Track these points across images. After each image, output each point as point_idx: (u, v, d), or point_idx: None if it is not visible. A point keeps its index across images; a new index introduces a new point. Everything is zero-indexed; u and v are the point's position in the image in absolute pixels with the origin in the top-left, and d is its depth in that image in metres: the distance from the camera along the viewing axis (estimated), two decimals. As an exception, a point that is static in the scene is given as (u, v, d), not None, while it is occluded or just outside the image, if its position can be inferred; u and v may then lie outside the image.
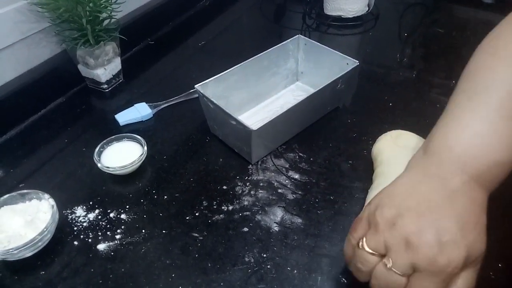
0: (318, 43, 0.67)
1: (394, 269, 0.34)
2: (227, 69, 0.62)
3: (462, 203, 0.35)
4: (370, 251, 0.36)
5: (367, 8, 0.95)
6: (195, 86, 0.58)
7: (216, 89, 0.60)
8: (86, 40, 0.67)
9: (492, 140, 0.38)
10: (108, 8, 0.67)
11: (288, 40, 0.68)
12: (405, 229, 0.34)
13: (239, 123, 0.53)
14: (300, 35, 0.69)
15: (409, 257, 0.33)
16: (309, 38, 0.93)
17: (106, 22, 0.70)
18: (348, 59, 0.63)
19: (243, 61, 0.64)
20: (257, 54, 0.65)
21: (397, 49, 0.87)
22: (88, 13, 0.65)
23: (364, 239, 0.37)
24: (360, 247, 0.37)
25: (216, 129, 0.62)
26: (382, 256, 0.36)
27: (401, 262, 0.34)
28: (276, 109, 0.67)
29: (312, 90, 0.59)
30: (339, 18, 0.94)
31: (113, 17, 0.70)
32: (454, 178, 0.37)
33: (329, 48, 0.66)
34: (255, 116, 0.66)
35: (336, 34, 0.93)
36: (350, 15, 0.93)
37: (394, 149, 0.52)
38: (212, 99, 0.56)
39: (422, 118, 0.64)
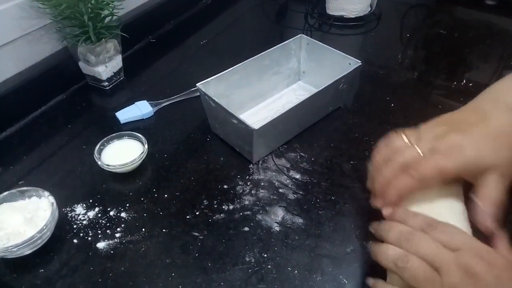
0: (321, 43, 0.67)
1: (417, 147, 0.42)
2: (229, 68, 0.61)
3: (492, 125, 0.41)
4: (406, 140, 0.44)
5: (369, 9, 0.95)
6: (197, 84, 0.58)
7: (217, 87, 0.60)
8: (88, 37, 0.66)
9: None
10: (110, 5, 0.67)
11: (291, 40, 0.67)
12: (436, 131, 0.43)
13: (240, 122, 0.53)
14: (302, 34, 0.68)
15: (432, 144, 0.42)
16: (311, 37, 0.93)
17: (107, 19, 0.69)
18: (351, 59, 0.63)
19: (245, 60, 0.63)
20: (258, 53, 0.65)
21: (399, 50, 0.87)
22: (89, 10, 0.65)
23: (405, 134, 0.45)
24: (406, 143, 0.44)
25: (217, 128, 0.62)
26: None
27: (424, 145, 0.42)
28: (277, 109, 0.67)
29: (314, 90, 0.59)
30: (341, 18, 0.94)
31: (115, 14, 0.69)
32: (491, 106, 0.43)
33: (331, 48, 0.66)
34: (256, 115, 0.66)
35: (338, 34, 0.93)
36: (352, 15, 0.93)
37: None
38: (213, 98, 0.56)
39: (424, 119, 0.63)
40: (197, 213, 0.52)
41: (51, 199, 0.49)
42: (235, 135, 0.58)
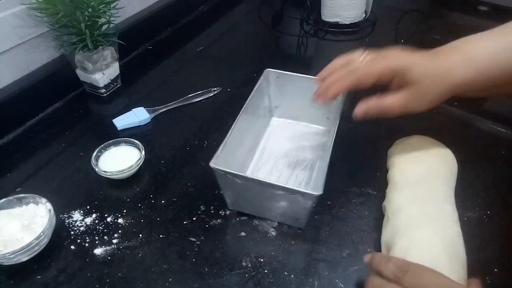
0: (290, 73, 0.61)
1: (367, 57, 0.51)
2: (227, 133, 0.51)
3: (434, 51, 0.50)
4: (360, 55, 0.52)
5: (364, 15, 0.96)
6: (211, 165, 0.47)
7: (224, 159, 0.49)
8: (85, 45, 0.67)
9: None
10: (107, 13, 0.68)
11: (260, 79, 0.60)
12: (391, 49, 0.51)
13: (292, 191, 0.45)
14: (269, 69, 0.61)
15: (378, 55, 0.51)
16: (307, 44, 0.94)
17: (104, 27, 0.70)
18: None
19: (237, 115, 0.55)
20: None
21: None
22: (87, 18, 0.66)
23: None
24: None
25: (241, 205, 0.52)
26: None
27: (369, 57, 0.51)
28: (276, 154, 0.60)
29: (290, 121, 0.62)
30: (336, 24, 0.95)
31: (112, 22, 0.70)
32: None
33: (304, 76, 0.60)
34: (262, 170, 0.58)
35: (333, 40, 0.94)
36: (347, 21, 0.94)
37: (407, 151, 0.55)
38: (241, 174, 0.46)
39: (420, 124, 0.64)
40: (194, 218, 0.52)
41: (49, 205, 0.49)
42: (278, 208, 0.50)
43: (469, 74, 0.45)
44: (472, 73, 0.45)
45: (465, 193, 0.53)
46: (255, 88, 0.59)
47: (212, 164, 0.46)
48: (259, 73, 0.80)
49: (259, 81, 0.60)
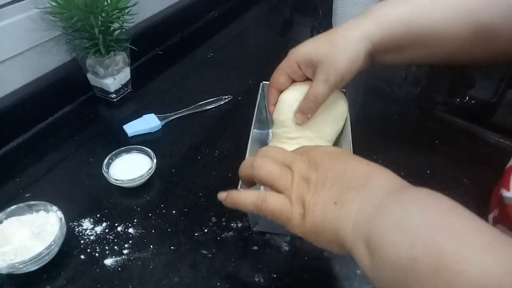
0: None
1: None
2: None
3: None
4: None
5: (375, 25, 0.95)
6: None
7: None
8: (97, 49, 0.66)
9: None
10: (121, 18, 0.67)
11: (259, 94, 0.60)
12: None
13: None
14: (264, 82, 0.60)
15: None
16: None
17: (117, 32, 0.70)
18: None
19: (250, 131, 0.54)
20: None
21: (402, 66, 0.87)
22: (100, 23, 0.65)
23: None
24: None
25: (263, 225, 0.51)
26: None
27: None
28: None
29: None
30: (347, 34, 0.94)
31: (125, 27, 0.70)
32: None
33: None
34: None
35: (344, 50, 0.93)
36: (358, 31, 0.93)
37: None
38: None
39: (427, 134, 0.64)
40: (205, 230, 0.52)
41: (60, 214, 0.49)
42: None
43: (374, 29, 0.46)
44: (376, 29, 0.46)
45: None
46: (257, 104, 0.58)
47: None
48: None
49: (258, 96, 0.59)
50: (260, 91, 0.60)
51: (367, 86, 0.80)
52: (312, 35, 0.98)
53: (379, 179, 0.33)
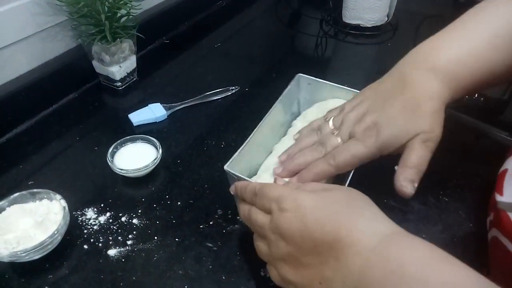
0: (323, 81, 0.57)
1: (337, 136, 0.45)
2: (248, 137, 0.50)
3: (409, 93, 0.41)
4: (331, 126, 0.47)
5: (386, 18, 0.94)
6: (225, 168, 0.46)
7: (241, 163, 0.49)
8: (103, 36, 0.65)
9: (460, 43, 0.43)
10: (128, 4, 0.66)
11: (290, 84, 0.57)
12: (358, 111, 0.45)
13: None
14: (300, 74, 0.58)
15: (350, 129, 0.44)
16: (326, 45, 0.92)
17: (124, 19, 0.68)
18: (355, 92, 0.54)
19: (260, 120, 0.52)
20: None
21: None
22: (107, 9, 0.64)
23: (332, 117, 0.48)
24: (326, 121, 0.48)
25: None
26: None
27: (344, 131, 0.45)
28: None
29: None
30: (357, 27, 0.93)
31: (132, 14, 0.68)
32: (412, 71, 0.42)
33: (334, 84, 0.57)
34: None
35: (354, 43, 0.92)
36: (369, 24, 0.92)
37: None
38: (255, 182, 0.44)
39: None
40: (210, 222, 0.51)
41: (63, 202, 0.48)
42: None
43: (444, 89, 0.42)
44: (446, 88, 0.42)
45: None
46: (284, 92, 0.56)
47: (227, 167, 0.46)
48: (277, 73, 0.79)
49: (289, 86, 0.57)
50: (293, 82, 0.58)
51: (375, 79, 0.78)
52: (321, 27, 0.97)
53: (346, 249, 0.31)
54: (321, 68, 0.84)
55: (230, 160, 0.46)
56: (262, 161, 0.53)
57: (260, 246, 0.39)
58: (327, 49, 0.91)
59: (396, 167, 0.40)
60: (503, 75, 0.43)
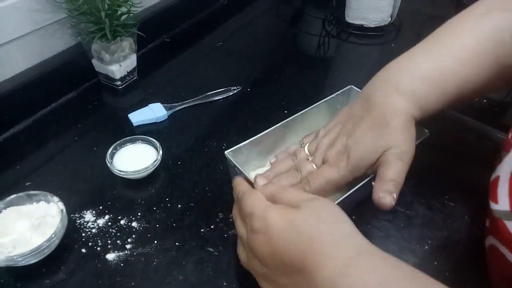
0: None
1: (312, 162, 0.45)
2: (261, 133, 0.49)
3: (376, 112, 0.41)
4: (306, 152, 0.47)
5: (389, 19, 0.93)
6: (226, 153, 0.47)
7: (249, 154, 0.49)
8: (103, 34, 0.64)
9: (426, 61, 0.42)
10: (128, 2, 0.64)
11: (339, 92, 0.55)
12: (330, 136, 0.45)
13: None
14: (352, 86, 0.56)
15: (323, 154, 0.44)
16: (329, 45, 0.91)
17: (124, 17, 0.67)
18: None
19: (285, 117, 0.51)
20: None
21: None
22: (107, 6, 0.63)
23: (307, 144, 0.48)
24: (301, 146, 0.49)
25: None
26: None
27: (317, 156, 0.45)
28: None
29: None
30: (360, 27, 0.92)
31: (132, 12, 0.67)
32: (377, 91, 0.42)
33: None
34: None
35: (357, 43, 0.91)
36: (372, 24, 0.91)
37: None
38: (247, 175, 0.45)
39: (435, 133, 0.62)
40: (212, 226, 0.50)
41: (61, 205, 0.47)
42: None
43: (410, 107, 0.41)
44: (412, 105, 0.41)
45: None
46: (326, 100, 0.54)
47: (227, 152, 0.47)
48: (279, 73, 0.78)
49: (337, 94, 0.55)
50: (340, 93, 0.55)
51: None
52: (323, 27, 0.96)
53: (315, 274, 0.31)
54: (323, 68, 0.83)
55: (235, 147, 0.47)
56: (263, 161, 0.53)
57: (241, 255, 0.40)
58: (330, 49, 0.90)
59: (373, 183, 0.40)
60: (476, 90, 0.43)
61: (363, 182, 0.43)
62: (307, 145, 0.48)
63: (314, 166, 0.45)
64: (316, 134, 0.49)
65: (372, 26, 0.91)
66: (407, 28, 0.94)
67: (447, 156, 0.59)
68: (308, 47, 0.92)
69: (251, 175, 0.45)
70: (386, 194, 0.38)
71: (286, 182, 0.45)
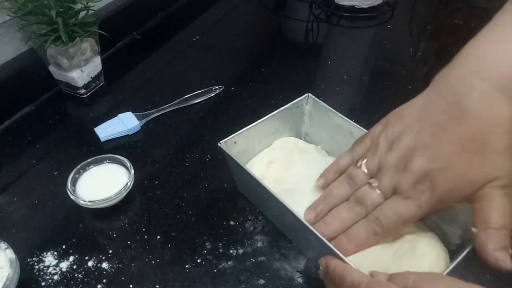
0: (327, 106, 0.48)
1: (377, 189, 0.34)
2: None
3: (471, 125, 0.31)
4: (366, 171, 0.36)
5: (383, -3, 0.84)
6: (219, 144, 0.44)
7: (237, 146, 0.46)
8: (58, 36, 0.54)
9: None
10: (84, -3, 0.55)
11: (297, 100, 0.49)
12: (399, 151, 0.34)
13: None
14: (309, 94, 0.49)
15: (394, 179, 0.33)
16: (318, 30, 0.83)
17: (82, 14, 0.58)
18: (356, 127, 0.45)
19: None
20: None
21: (412, 43, 0.77)
22: (58, 3, 0.53)
23: (365, 160, 0.36)
24: (358, 166, 0.37)
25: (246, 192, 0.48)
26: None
27: (386, 183, 0.34)
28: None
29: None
30: (352, 9, 0.83)
31: (91, 8, 0.58)
32: (472, 92, 0.32)
33: (336, 113, 0.47)
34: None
35: (348, 27, 0.83)
36: (364, 5, 0.82)
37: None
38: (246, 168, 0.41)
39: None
40: (198, 260, 0.42)
41: (10, 253, 0.38)
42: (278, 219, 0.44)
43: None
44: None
45: None
46: (286, 107, 0.49)
47: (221, 143, 0.43)
48: (266, 67, 0.69)
49: (296, 101, 0.49)
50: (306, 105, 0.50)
51: (374, 66, 0.71)
52: (311, 11, 0.87)
53: None
54: (314, 57, 0.75)
55: (229, 137, 0.44)
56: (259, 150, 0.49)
57: None
58: (319, 35, 0.82)
59: (473, 229, 0.31)
60: None
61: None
62: (365, 162, 0.37)
63: (381, 196, 0.34)
64: (372, 142, 0.37)
65: (365, 6, 0.83)
66: (402, 6, 0.87)
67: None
68: (296, 35, 0.84)
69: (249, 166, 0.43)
70: (502, 253, 0.29)
71: (348, 219, 0.36)
